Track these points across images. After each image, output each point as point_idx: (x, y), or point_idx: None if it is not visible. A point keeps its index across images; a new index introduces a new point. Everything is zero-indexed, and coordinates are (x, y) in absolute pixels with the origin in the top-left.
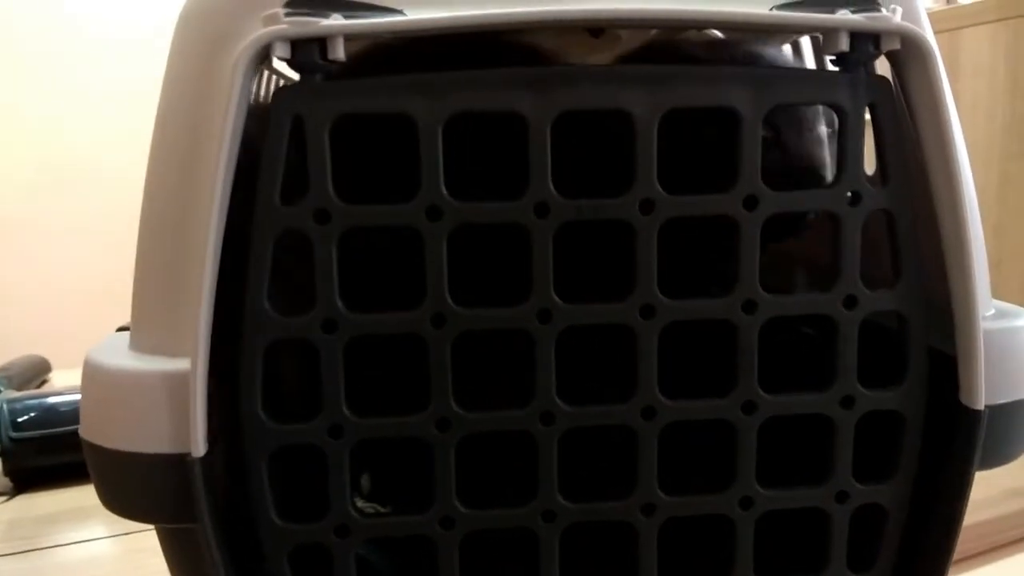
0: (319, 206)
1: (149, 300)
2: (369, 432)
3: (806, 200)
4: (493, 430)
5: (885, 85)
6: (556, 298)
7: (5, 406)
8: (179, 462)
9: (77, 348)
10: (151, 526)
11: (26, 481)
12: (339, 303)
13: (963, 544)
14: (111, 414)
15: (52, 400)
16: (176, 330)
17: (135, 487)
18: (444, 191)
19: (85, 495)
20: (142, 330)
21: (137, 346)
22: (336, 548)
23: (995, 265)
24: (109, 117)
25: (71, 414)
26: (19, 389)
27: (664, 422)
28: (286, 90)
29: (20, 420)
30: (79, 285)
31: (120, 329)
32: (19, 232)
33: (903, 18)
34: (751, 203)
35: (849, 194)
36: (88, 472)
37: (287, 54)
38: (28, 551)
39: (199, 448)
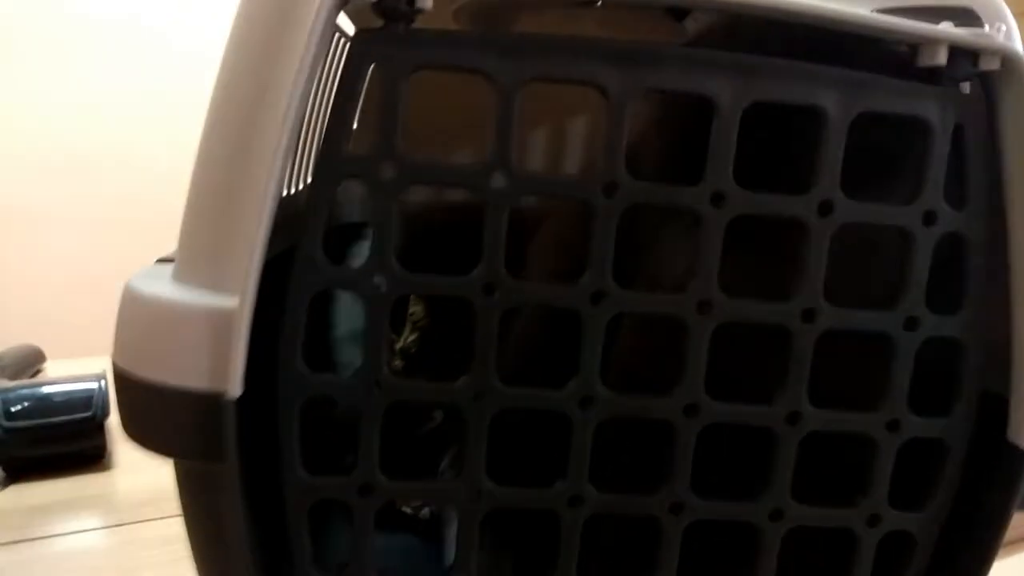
0: (386, 154)
1: (199, 233)
2: (404, 394)
3: (881, 213)
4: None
5: (978, 105)
6: (612, 282)
7: None
8: (213, 401)
9: (70, 339)
10: (144, 518)
11: (19, 471)
12: (393, 260)
13: None
14: (148, 344)
15: (46, 390)
16: (226, 266)
17: (163, 420)
18: (511, 155)
19: (78, 486)
20: (188, 263)
21: (182, 278)
22: (358, 507)
23: None
24: (106, 110)
25: (65, 404)
26: (12, 379)
27: (705, 422)
28: (367, 33)
29: (13, 410)
30: (73, 276)
31: (160, 260)
32: (13, 223)
33: (1005, 39)
34: (826, 209)
35: (924, 212)
36: (79, 463)
37: None
38: (20, 541)
39: (236, 388)
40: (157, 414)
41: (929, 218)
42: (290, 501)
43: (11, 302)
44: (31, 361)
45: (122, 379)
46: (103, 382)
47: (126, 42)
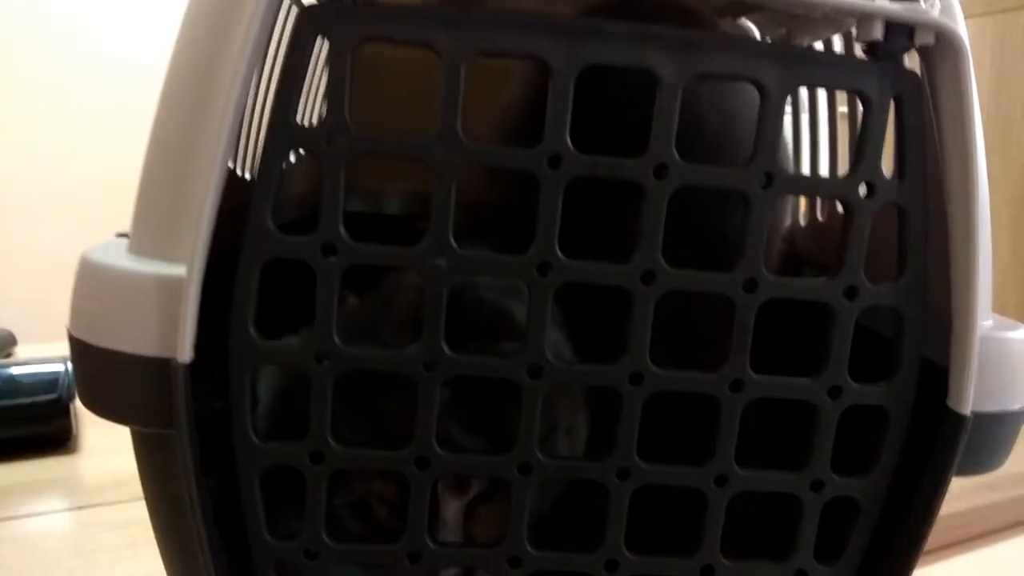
0: (333, 129)
1: (151, 204)
2: (355, 363)
3: (820, 186)
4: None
5: (913, 79)
6: (558, 253)
7: None
8: (164, 366)
9: (41, 324)
10: (106, 501)
11: None
12: (341, 229)
13: (936, 535)
14: (102, 312)
15: (11, 371)
16: (176, 236)
17: (118, 387)
18: (459, 129)
19: (42, 468)
20: (141, 233)
21: (135, 249)
22: (310, 474)
23: None
24: (81, 98)
25: (31, 386)
26: None
27: (650, 390)
28: (315, 8)
29: None
30: (45, 262)
31: (119, 235)
32: None
33: (940, 14)
34: (768, 181)
35: (864, 185)
36: (44, 446)
37: None
38: None
39: (185, 354)
40: (111, 382)
41: (870, 190)
42: (242, 467)
43: None
44: (2, 344)
45: (78, 348)
46: (70, 364)
47: (119, 22)
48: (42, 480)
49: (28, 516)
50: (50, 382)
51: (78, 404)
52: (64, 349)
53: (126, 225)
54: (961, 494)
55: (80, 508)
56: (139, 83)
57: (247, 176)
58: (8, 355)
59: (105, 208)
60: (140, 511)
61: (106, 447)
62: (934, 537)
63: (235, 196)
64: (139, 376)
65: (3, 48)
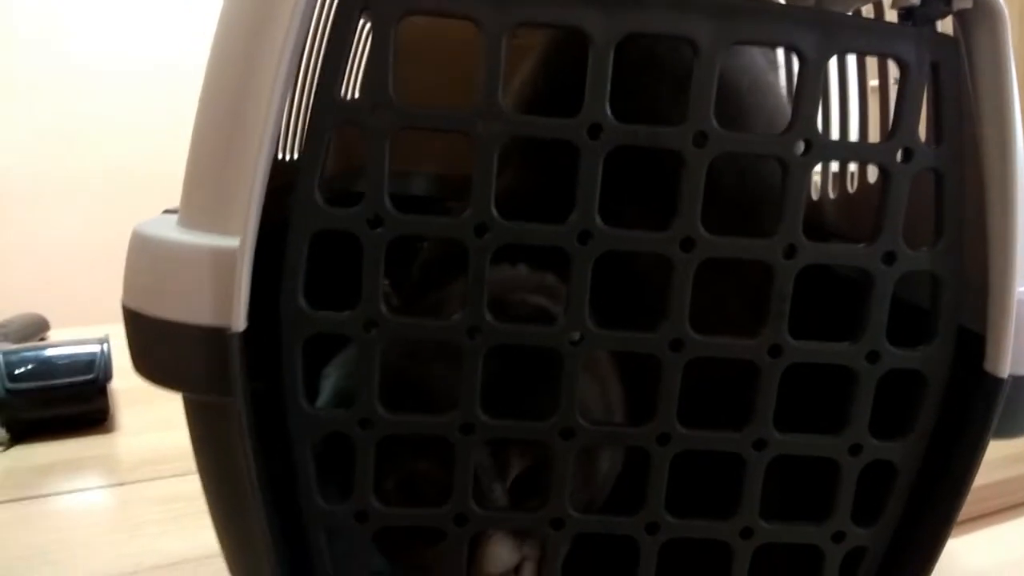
0: (377, 102)
1: (202, 179)
2: (403, 330)
3: (859, 152)
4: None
5: (951, 44)
6: (599, 222)
7: (2, 358)
8: (219, 335)
9: (74, 309)
10: (145, 478)
11: (22, 433)
12: (387, 200)
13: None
14: (157, 284)
15: (49, 353)
16: (227, 209)
17: (173, 356)
18: (500, 100)
19: (82, 447)
20: (192, 207)
21: (185, 223)
22: (359, 440)
23: None
24: (109, 84)
25: (68, 367)
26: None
27: (690, 356)
28: None
29: (17, 372)
30: (76, 249)
31: (166, 212)
32: (17, 196)
33: None
34: (807, 147)
35: (902, 150)
36: (82, 426)
37: None
38: (22, 499)
39: (240, 322)
40: (167, 351)
41: (907, 155)
42: (294, 434)
43: (16, 275)
44: (35, 329)
45: (132, 319)
46: (106, 346)
47: (125, 10)
48: (81, 458)
49: (70, 492)
50: (87, 363)
51: (115, 385)
52: (97, 332)
53: (147, 213)
54: (984, 468)
55: (120, 484)
56: (170, 65)
57: (285, 157)
58: (42, 339)
59: (132, 193)
60: (180, 487)
61: (142, 427)
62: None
63: (275, 177)
64: (195, 345)
65: (11, 36)
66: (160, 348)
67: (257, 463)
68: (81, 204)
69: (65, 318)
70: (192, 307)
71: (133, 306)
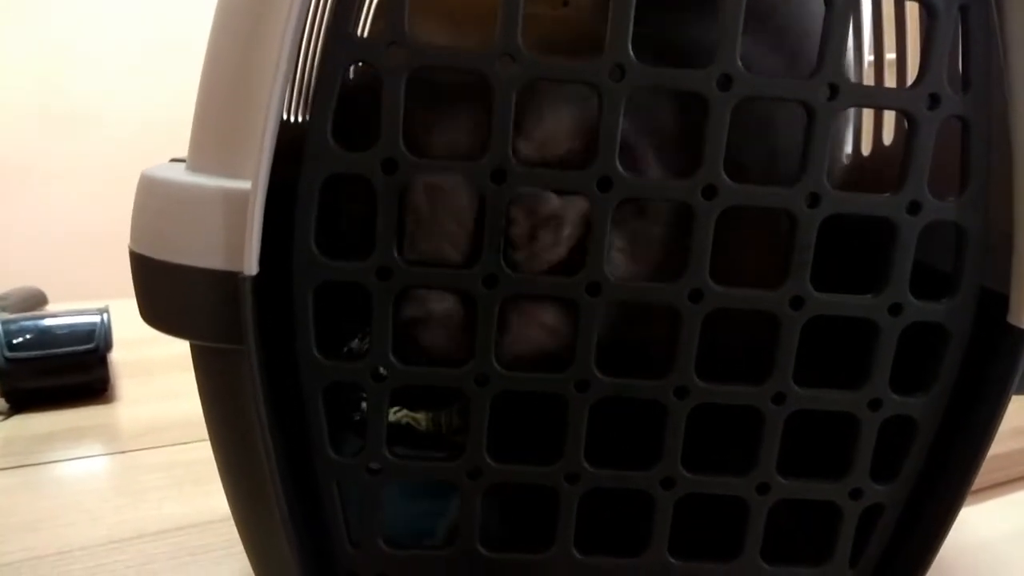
0: (392, 39)
1: (212, 122)
2: (415, 279)
3: (885, 97)
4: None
5: None
6: (620, 169)
7: (1, 327)
8: (230, 279)
9: (72, 288)
10: (146, 446)
11: (22, 402)
12: (401, 145)
13: None
14: (167, 227)
15: (48, 322)
16: (238, 151)
17: (182, 301)
18: (519, 41)
19: (81, 416)
20: (202, 151)
21: (195, 167)
22: (371, 391)
23: None
24: (109, 63)
25: (67, 336)
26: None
27: (710, 307)
28: None
29: (16, 341)
30: (76, 227)
31: (173, 160)
32: (17, 175)
33: None
34: (833, 92)
35: (928, 96)
36: (82, 395)
37: None
38: (22, 466)
39: (252, 267)
40: (177, 297)
41: (934, 101)
42: (306, 382)
43: (15, 253)
44: (34, 302)
45: (140, 264)
46: (105, 316)
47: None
48: (81, 427)
49: (71, 460)
50: (87, 333)
51: (115, 355)
52: (96, 304)
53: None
54: (996, 438)
55: (122, 452)
56: (170, 47)
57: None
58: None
59: (131, 174)
60: (182, 455)
61: (142, 396)
62: None
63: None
64: (206, 290)
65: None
66: (169, 294)
67: (268, 414)
68: (79, 185)
69: (62, 298)
70: (203, 251)
71: (140, 251)
